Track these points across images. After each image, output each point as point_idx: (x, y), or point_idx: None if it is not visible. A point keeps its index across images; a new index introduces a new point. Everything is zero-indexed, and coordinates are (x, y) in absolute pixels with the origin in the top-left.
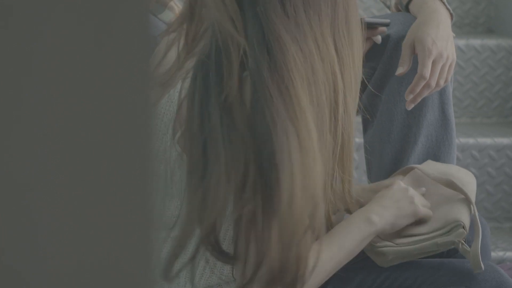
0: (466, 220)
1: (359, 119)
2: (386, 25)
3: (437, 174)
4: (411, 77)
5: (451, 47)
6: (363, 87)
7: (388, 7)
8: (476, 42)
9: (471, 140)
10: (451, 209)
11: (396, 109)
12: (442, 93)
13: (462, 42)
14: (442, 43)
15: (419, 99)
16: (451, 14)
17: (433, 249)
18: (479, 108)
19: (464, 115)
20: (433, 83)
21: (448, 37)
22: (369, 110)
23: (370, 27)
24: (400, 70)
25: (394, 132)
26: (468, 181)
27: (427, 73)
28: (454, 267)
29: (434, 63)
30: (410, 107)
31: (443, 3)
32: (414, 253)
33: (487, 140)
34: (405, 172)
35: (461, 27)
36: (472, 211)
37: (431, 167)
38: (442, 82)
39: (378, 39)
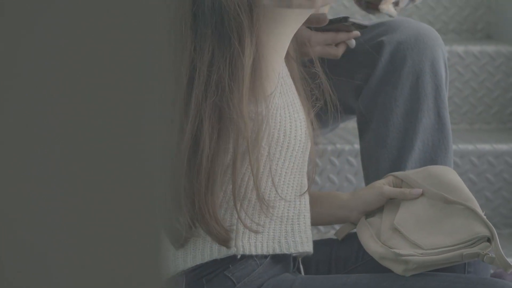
0: (487, 232)
1: (355, 125)
2: (364, 27)
3: (428, 186)
4: (406, 82)
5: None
6: (358, 93)
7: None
8: (475, 48)
9: (470, 147)
10: (468, 221)
11: (392, 114)
12: (437, 97)
13: (461, 48)
14: None
15: None
16: None
17: (458, 260)
18: (478, 114)
19: (463, 121)
20: None
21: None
22: (364, 116)
23: (346, 29)
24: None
25: (390, 137)
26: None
27: None
28: (471, 281)
29: None
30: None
31: None
32: (438, 263)
33: (486, 146)
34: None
35: (459, 33)
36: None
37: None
38: None
39: (352, 43)
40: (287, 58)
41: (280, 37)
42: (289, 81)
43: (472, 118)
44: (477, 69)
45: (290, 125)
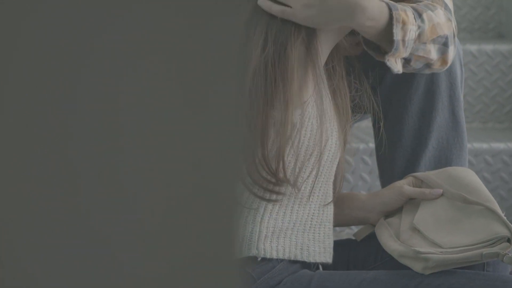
0: (507, 232)
1: (368, 123)
2: None
3: (448, 187)
4: (421, 81)
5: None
6: (373, 92)
7: None
8: (488, 47)
9: (484, 145)
10: (488, 221)
11: (407, 113)
12: (452, 95)
13: (474, 47)
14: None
15: None
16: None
17: (477, 259)
18: (491, 113)
19: (476, 120)
20: None
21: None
22: (379, 114)
23: None
24: None
25: (405, 136)
26: (473, 182)
27: None
28: (489, 278)
29: None
30: None
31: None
32: (457, 262)
33: (501, 145)
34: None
35: (471, 32)
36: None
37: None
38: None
39: None
40: (327, 67)
41: (323, 47)
42: (325, 90)
43: (485, 117)
44: (490, 68)
45: (321, 135)
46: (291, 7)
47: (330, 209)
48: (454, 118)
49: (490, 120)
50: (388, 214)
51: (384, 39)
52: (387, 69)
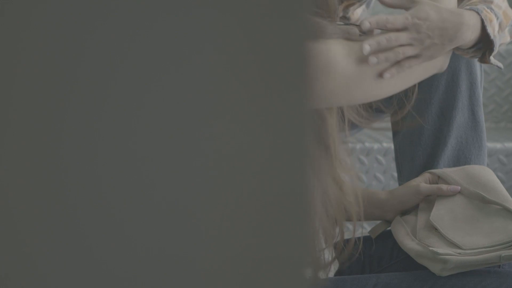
0: None
1: (382, 124)
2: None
3: (466, 185)
4: (441, 80)
5: (437, 51)
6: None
7: None
8: (501, 47)
9: (498, 145)
10: (506, 222)
11: (427, 112)
12: (471, 95)
13: None
14: (437, 34)
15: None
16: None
17: (495, 261)
18: (503, 112)
19: (489, 119)
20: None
21: (446, 42)
22: (398, 113)
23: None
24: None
25: (425, 134)
26: (491, 181)
27: (390, 24)
28: (502, 275)
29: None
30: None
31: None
32: (476, 264)
33: None
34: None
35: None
36: None
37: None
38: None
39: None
40: None
41: None
42: None
43: (497, 116)
44: (503, 68)
45: None
46: None
47: None
48: (473, 117)
49: (502, 119)
50: (404, 212)
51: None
52: None
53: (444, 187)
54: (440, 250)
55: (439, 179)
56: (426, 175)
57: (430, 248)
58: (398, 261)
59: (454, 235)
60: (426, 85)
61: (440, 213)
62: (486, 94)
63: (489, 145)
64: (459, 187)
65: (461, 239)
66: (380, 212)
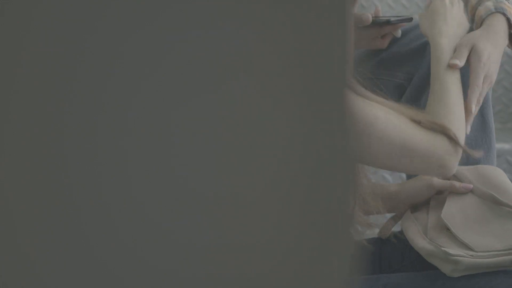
0: None
1: None
2: (409, 20)
3: (478, 184)
4: None
5: (496, 70)
6: (401, 92)
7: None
8: (507, 48)
9: (506, 146)
10: None
11: None
12: None
13: None
14: (493, 64)
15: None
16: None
17: (508, 265)
18: (510, 113)
19: (496, 120)
20: (481, 99)
21: (498, 61)
22: None
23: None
24: (456, 61)
25: None
26: (504, 183)
27: (480, 82)
28: (510, 275)
29: (484, 79)
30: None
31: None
32: (487, 266)
33: None
34: None
35: None
36: None
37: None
38: (480, 99)
39: (398, 33)
40: None
41: None
42: None
43: (504, 117)
44: (510, 69)
45: None
46: None
47: None
48: (483, 119)
49: (510, 120)
50: (415, 207)
51: None
52: (416, 68)
53: (457, 184)
54: (452, 251)
55: (452, 176)
56: None
57: (443, 249)
58: (410, 262)
59: (465, 235)
60: None
61: (452, 211)
62: (493, 95)
63: (497, 146)
64: (472, 186)
65: (472, 240)
66: (391, 203)
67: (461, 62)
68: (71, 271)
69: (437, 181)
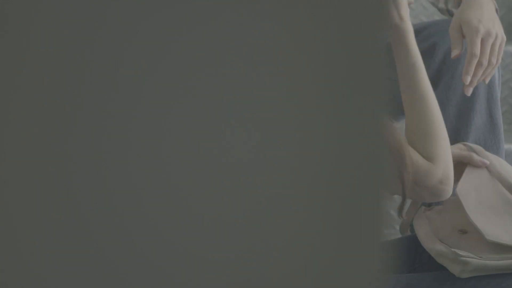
0: None
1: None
2: None
3: (498, 168)
4: (459, 82)
5: (499, 26)
6: None
7: (441, 10)
8: None
9: None
10: None
11: (445, 114)
12: (489, 97)
13: None
14: (488, 23)
15: (476, 82)
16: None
17: None
18: None
19: (503, 121)
20: (485, 61)
21: (494, 18)
22: None
23: None
24: (455, 52)
25: None
26: None
27: (477, 50)
28: None
29: (483, 41)
30: (469, 92)
31: None
32: (496, 269)
33: None
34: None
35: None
36: None
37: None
38: (494, 60)
39: None
40: None
41: None
42: None
43: (510, 118)
44: None
45: None
46: None
47: None
48: (491, 119)
49: None
50: (428, 208)
51: None
52: (426, 70)
53: (475, 156)
54: (461, 252)
55: (471, 151)
56: (460, 145)
57: (452, 249)
58: (421, 265)
59: (477, 219)
60: (444, 88)
61: (467, 188)
62: (499, 96)
63: (505, 146)
64: (489, 162)
65: (484, 226)
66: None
67: (458, 49)
68: (71, 271)
69: (456, 151)
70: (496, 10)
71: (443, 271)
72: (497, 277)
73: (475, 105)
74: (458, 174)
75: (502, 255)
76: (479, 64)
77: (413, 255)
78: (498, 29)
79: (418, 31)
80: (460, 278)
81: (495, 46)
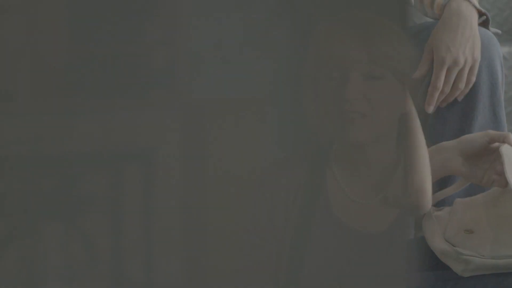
0: None
1: None
2: None
3: None
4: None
5: (471, 49)
6: (416, 91)
7: (426, 14)
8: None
9: None
10: None
11: (449, 112)
12: (493, 96)
13: (505, 50)
14: (458, 48)
15: (443, 105)
16: (479, 12)
17: None
18: None
19: (507, 121)
20: (447, 90)
21: (469, 39)
22: (421, 114)
23: None
24: (416, 74)
25: (447, 135)
26: None
27: (440, 83)
28: None
29: (449, 70)
30: (430, 110)
31: (469, 1)
32: (498, 268)
33: None
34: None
35: (500, 35)
36: None
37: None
38: (461, 86)
39: None
40: None
41: None
42: None
43: None
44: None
45: None
46: None
47: None
48: (495, 118)
49: None
50: (437, 208)
51: None
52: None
53: (510, 135)
54: (464, 251)
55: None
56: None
57: (455, 248)
58: (426, 263)
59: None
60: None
61: (509, 152)
62: (504, 96)
63: None
64: None
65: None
66: (445, 155)
67: (420, 72)
68: (71, 271)
69: (492, 131)
70: (487, 18)
71: (446, 270)
72: (498, 276)
73: (478, 104)
74: (465, 203)
75: (503, 254)
76: (442, 93)
77: (423, 256)
78: (469, 53)
79: (418, 32)
80: (462, 277)
81: (463, 73)
